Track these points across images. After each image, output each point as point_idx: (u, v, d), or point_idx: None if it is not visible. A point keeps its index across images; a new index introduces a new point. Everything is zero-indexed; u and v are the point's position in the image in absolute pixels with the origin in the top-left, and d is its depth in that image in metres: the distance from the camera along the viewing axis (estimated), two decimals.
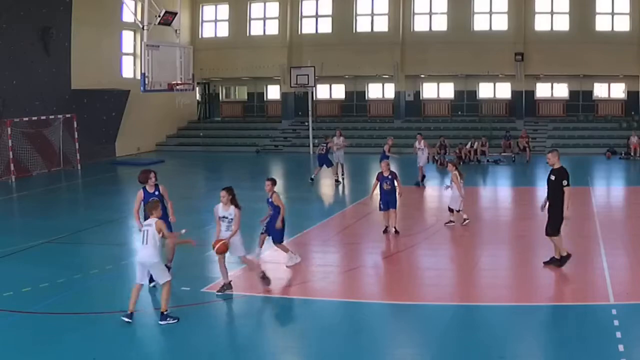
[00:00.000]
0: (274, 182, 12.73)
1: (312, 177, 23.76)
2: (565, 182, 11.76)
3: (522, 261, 13.20)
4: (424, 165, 23.13)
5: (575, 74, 34.26)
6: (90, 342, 9.24)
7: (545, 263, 12.28)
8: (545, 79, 35.73)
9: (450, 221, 16.26)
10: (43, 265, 13.19)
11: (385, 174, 15.44)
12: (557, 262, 12.14)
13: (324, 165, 23.48)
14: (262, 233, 13.10)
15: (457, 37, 34.71)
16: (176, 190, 23.28)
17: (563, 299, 10.78)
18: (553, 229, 12.00)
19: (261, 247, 13.27)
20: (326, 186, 23.77)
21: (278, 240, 12.79)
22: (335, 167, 23.79)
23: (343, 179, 23.95)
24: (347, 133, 26.45)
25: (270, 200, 12.65)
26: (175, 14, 21.92)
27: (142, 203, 11.42)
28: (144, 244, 9.88)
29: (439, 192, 22.80)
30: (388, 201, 15.36)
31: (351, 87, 38.71)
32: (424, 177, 22.95)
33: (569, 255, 12.10)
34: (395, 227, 15.49)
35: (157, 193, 11.80)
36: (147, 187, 11.87)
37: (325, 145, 23.63)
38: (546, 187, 12.28)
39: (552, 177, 12.02)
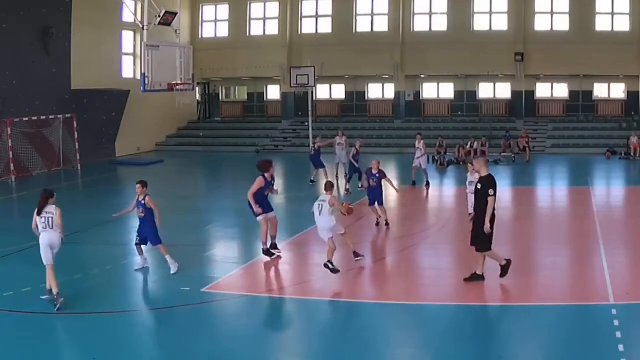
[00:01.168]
0: (144, 185, 12.34)
1: (312, 178, 23.70)
2: (491, 192, 11.00)
3: (521, 261, 13.16)
4: (424, 167, 22.49)
5: (575, 74, 34.23)
6: (90, 342, 9.24)
7: (466, 279, 11.41)
8: (545, 79, 35.70)
9: None
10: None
11: (374, 171, 16.29)
12: (479, 277, 11.32)
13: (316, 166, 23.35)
14: (137, 244, 12.53)
15: (457, 37, 34.69)
16: (175, 190, 23.40)
17: (563, 299, 10.76)
18: (483, 244, 11.20)
19: (141, 254, 12.65)
20: None
21: (157, 242, 12.37)
22: (335, 168, 23.70)
23: (346, 178, 23.58)
24: (347, 133, 26.36)
25: (142, 202, 12.26)
26: (175, 14, 21.89)
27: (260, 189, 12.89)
28: (321, 215, 11.91)
29: (438, 192, 22.80)
30: (374, 197, 16.29)
31: (351, 87, 38.67)
32: (428, 183, 22.41)
33: (509, 262, 11.34)
34: (386, 220, 16.20)
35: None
36: (267, 176, 13.04)
37: (314, 145, 23.60)
38: (473, 196, 11.60)
39: (479, 186, 11.32)
